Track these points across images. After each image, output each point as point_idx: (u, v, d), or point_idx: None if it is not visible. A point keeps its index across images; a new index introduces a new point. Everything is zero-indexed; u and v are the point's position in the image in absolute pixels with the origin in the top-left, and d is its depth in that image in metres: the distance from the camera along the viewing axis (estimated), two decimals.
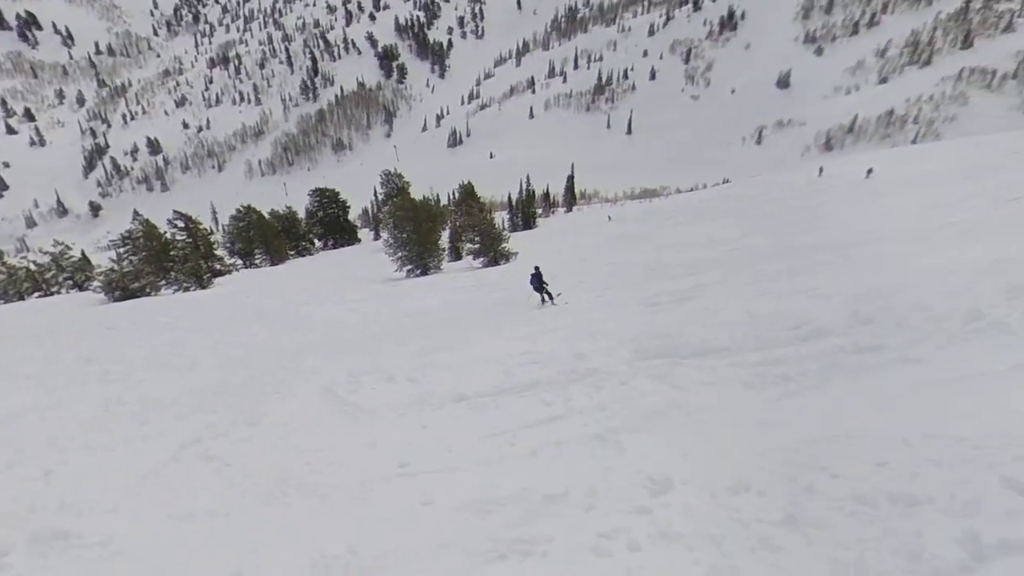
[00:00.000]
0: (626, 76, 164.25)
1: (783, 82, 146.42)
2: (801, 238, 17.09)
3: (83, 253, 76.05)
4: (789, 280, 9.92)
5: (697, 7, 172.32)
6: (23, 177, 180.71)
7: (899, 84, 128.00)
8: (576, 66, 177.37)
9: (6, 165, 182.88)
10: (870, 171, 34.38)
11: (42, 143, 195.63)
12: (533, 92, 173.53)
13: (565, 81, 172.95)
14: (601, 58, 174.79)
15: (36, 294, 44.26)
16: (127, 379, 11.34)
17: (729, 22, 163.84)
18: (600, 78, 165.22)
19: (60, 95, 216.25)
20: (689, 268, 16.04)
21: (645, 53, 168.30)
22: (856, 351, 5.47)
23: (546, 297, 14.71)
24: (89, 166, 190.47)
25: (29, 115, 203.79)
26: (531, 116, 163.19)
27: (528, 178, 70.17)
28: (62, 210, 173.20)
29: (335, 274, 37.82)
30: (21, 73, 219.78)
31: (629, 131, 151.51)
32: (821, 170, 43.60)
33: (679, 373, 5.99)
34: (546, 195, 79.82)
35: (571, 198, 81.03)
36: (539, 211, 70.59)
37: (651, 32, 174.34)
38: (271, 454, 5.35)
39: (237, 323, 19.04)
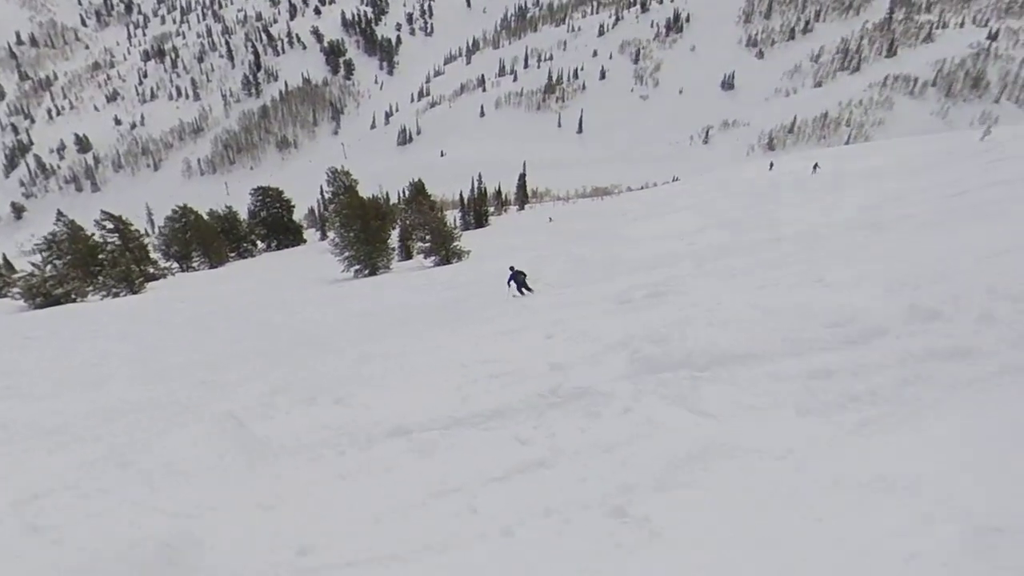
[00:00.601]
0: (576, 76, 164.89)
1: (728, 83, 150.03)
2: (769, 230, 16.44)
3: (4, 257, 71.11)
4: (788, 268, 8.93)
5: (645, 8, 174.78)
6: None
7: (832, 88, 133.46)
8: (527, 65, 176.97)
9: None
10: (816, 166, 34.75)
11: None
12: (484, 91, 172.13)
13: (516, 80, 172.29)
14: (551, 57, 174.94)
15: None
16: (25, 396, 9.79)
17: (675, 24, 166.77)
18: (551, 77, 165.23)
19: None
20: (654, 261, 15.18)
21: (595, 53, 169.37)
22: (934, 357, 4.02)
23: (524, 289, 14.60)
24: (11, 164, 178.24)
25: None
26: (482, 115, 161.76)
27: (480, 176, 68.92)
28: None
29: (278, 276, 36.15)
30: None
31: (580, 130, 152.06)
32: (772, 165, 44.12)
33: (704, 393, 4.40)
34: (498, 193, 78.61)
35: (523, 196, 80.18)
36: (491, 209, 69.48)
37: (601, 32, 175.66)
38: (119, 523, 3.61)
39: (168, 330, 17.44)
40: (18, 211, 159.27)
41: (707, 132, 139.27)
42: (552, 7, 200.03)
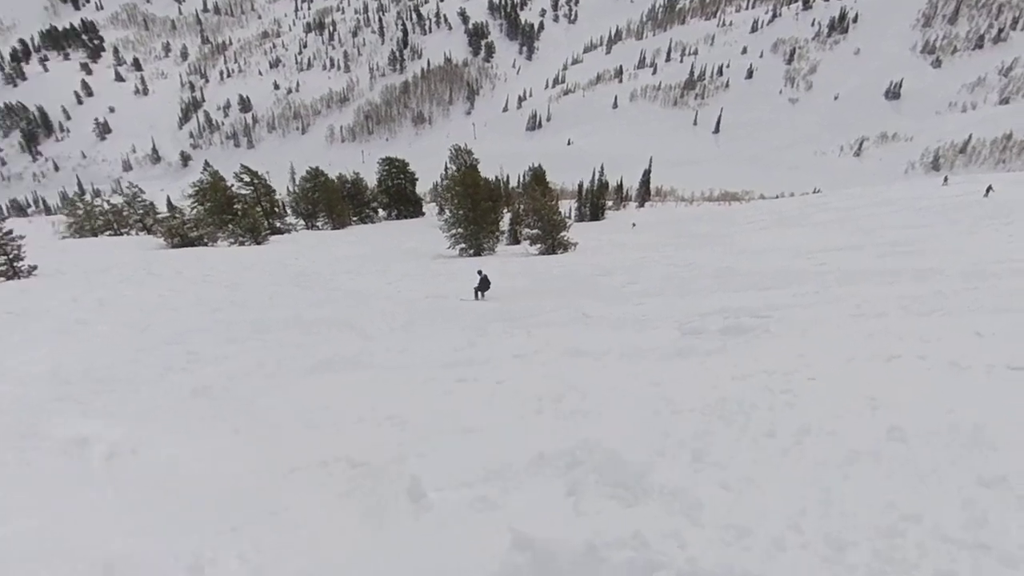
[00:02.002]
0: (720, 73, 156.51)
1: (893, 92, 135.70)
2: (920, 258, 13.74)
3: (169, 200, 79.10)
4: (938, 315, 7.01)
5: (807, 6, 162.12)
6: (125, 123, 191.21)
7: (1022, 106, 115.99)
8: (668, 58, 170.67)
9: (112, 110, 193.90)
10: (989, 189, 29.75)
11: (145, 92, 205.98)
12: (620, 82, 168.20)
13: (655, 73, 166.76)
14: (696, 52, 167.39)
15: (107, 233, 45.57)
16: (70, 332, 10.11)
17: (840, 24, 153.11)
18: (692, 73, 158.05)
19: (166, 48, 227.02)
20: (768, 278, 13.14)
21: (744, 50, 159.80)
22: None
23: (479, 294, 15.26)
24: (184, 118, 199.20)
25: (137, 65, 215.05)
26: (615, 106, 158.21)
27: (602, 168, 67.10)
28: (156, 157, 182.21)
29: (389, 244, 36.71)
30: (134, 25, 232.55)
31: (717, 130, 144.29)
32: (946, 179, 39.34)
33: None
34: (619, 187, 76.19)
35: (645, 193, 77.09)
36: (609, 203, 67.52)
37: (754, 28, 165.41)
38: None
39: (260, 285, 17.93)
40: (185, 159, 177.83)
41: (860, 144, 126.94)
42: (704, 0, 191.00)
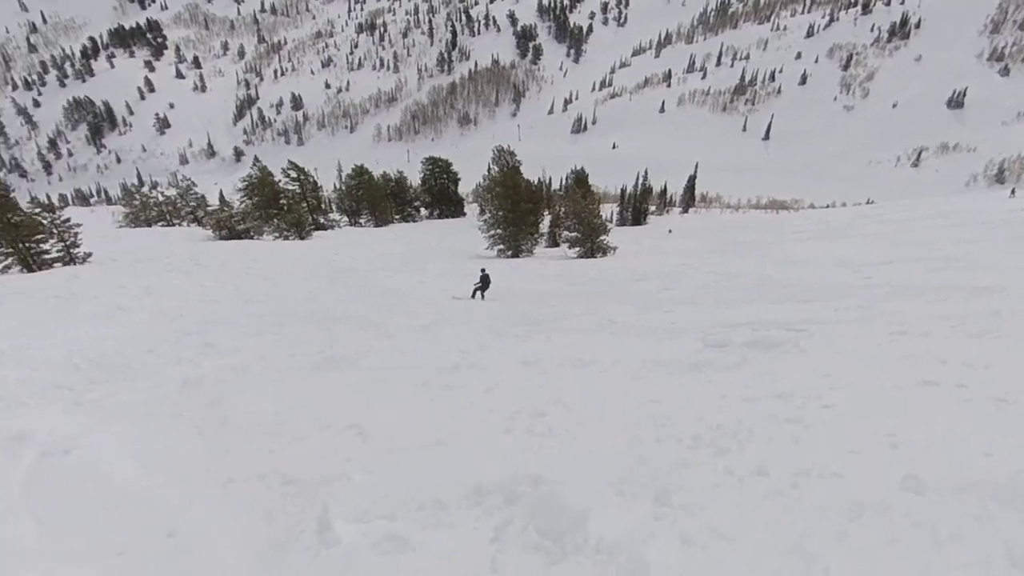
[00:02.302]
0: (773, 78, 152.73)
1: (956, 101, 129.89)
2: (976, 273, 12.99)
3: (221, 193, 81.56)
4: (995, 339, 6.38)
5: (867, 10, 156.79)
6: (183, 118, 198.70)
7: None
8: (719, 63, 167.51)
9: (171, 106, 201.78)
10: None
11: (203, 89, 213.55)
12: (668, 86, 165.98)
13: (704, 77, 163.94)
14: (747, 57, 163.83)
15: (160, 223, 47.41)
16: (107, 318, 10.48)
17: (901, 29, 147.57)
18: (743, 78, 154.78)
19: (225, 47, 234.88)
20: (810, 290, 12.66)
21: (798, 55, 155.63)
22: None
23: (478, 295, 15.57)
24: (239, 114, 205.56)
25: (196, 63, 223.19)
26: (662, 110, 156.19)
27: (646, 172, 66.13)
28: (211, 152, 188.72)
29: (428, 243, 37.02)
30: (196, 24, 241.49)
31: (767, 136, 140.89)
32: (1013, 192, 37.51)
33: None
34: (663, 192, 75.08)
35: (690, 199, 75.76)
36: (652, 209, 66.60)
37: (809, 33, 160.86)
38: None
39: (297, 279, 18.31)
40: (238, 154, 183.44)
41: (919, 154, 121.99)
42: (758, 4, 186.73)
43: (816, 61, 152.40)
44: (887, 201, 65.47)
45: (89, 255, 22.75)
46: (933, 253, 18.34)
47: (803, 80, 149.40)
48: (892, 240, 24.19)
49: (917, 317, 8.17)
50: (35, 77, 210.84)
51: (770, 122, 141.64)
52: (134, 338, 9.34)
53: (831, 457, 3.81)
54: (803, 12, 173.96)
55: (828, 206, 77.24)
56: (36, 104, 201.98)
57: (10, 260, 21.32)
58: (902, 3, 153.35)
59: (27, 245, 21.48)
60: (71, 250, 22.74)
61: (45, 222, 22.30)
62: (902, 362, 5.83)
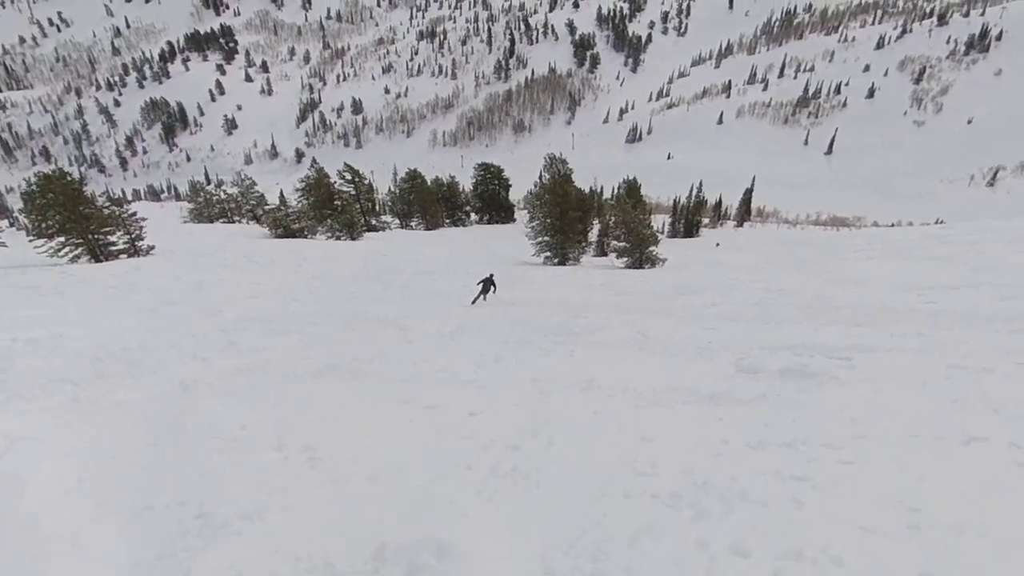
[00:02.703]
0: (838, 91, 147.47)
1: None
2: None
3: (281, 193, 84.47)
4: None
5: (943, 22, 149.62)
6: (249, 120, 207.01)
7: None
8: (781, 74, 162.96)
9: (239, 108, 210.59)
10: None
11: (269, 93, 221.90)
12: (727, 97, 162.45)
13: (766, 89, 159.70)
14: (812, 68, 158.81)
15: (221, 220, 49.46)
16: (151, 311, 10.98)
17: (980, 42, 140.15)
18: (807, 90, 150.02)
19: (291, 52, 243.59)
20: (866, 313, 12.04)
21: (866, 68, 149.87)
22: None
23: (481, 299, 15.69)
24: (302, 117, 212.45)
25: (264, 67, 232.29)
26: (720, 122, 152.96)
27: (701, 184, 64.97)
28: (274, 153, 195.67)
29: (476, 248, 37.28)
30: (265, 30, 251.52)
31: (830, 151, 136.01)
32: None
33: None
34: (718, 205, 73.63)
35: (745, 212, 73.93)
36: (706, 221, 65.34)
37: (879, 45, 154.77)
38: None
39: (342, 279, 18.67)
40: (299, 156, 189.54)
41: (995, 173, 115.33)
42: (825, 14, 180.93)
43: (886, 74, 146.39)
44: (958, 222, 62.23)
45: (152, 248, 23.89)
46: (1006, 279, 17.25)
47: (871, 93, 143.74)
48: (961, 263, 22.87)
49: (980, 348, 7.62)
50: (117, 79, 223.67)
51: (834, 136, 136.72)
52: (166, 332, 9.76)
53: (833, 535, 3.15)
54: (873, 23, 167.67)
55: (893, 225, 73.94)
56: (116, 104, 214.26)
57: (80, 250, 22.53)
58: (982, 14, 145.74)
59: (96, 236, 22.67)
60: (136, 242, 23.92)
61: (113, 215, 23.55)
62: (948, 407, 5.16)
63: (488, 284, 15.70)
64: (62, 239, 22.07)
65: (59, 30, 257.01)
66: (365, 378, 7.64)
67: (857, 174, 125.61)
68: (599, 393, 6.66)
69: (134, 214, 24.06)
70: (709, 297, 15.40)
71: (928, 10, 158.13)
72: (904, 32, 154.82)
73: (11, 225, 71.44)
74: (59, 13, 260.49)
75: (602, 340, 10.18)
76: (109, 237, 23.24)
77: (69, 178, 22.62)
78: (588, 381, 7.12)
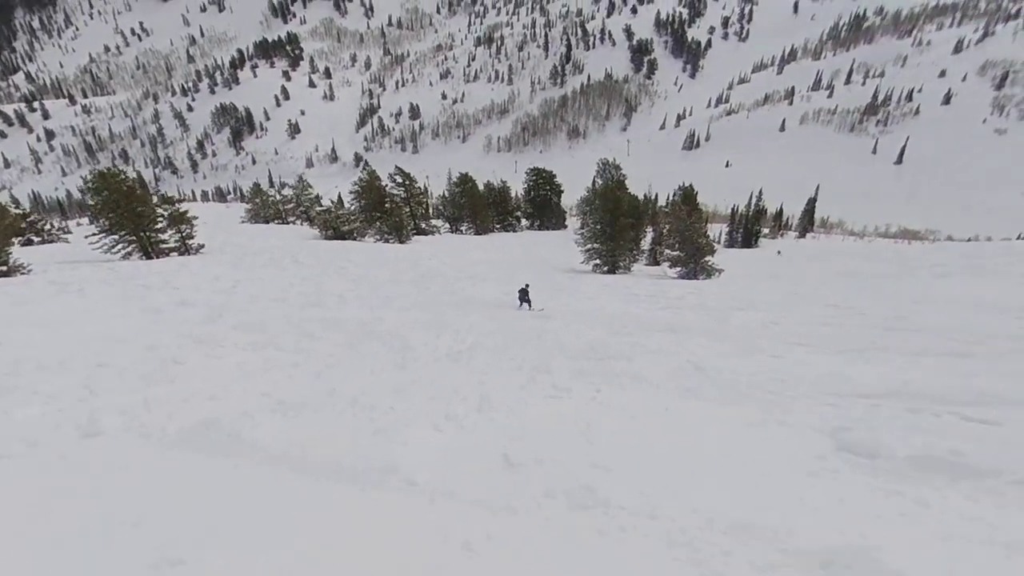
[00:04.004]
0: (910, 98, 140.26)
1: None
2: None
3: (339, 196, 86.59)
4: None
5: None
6: (312, 125, 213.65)
7: None
8: (848, 80, 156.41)
9: (303, 113, 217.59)
10: None
11: (331, 98, 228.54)
12: (790, 103, 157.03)
13: (831, 95, 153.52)
14: (882, 74, 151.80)
15: (276, 221, 50.93)
16: (155, 311, 10.93)
17: None
18: (876, 96, 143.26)
19: (353, 59, 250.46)
20: (959, 340, 10.74)
21: (942, 73, 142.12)
22: None
23: (527, 305, 15.69)
24: (361, 122, 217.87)
25: (327, 73, 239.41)
26: (782, 129, 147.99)
27: (760, 193, 62.65)
28: (334, 157, 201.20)
29: (523, 254, 36.89)
30: (329, 37, 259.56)
31: (899, 160, 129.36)
32: None
33: None
34: (778, 215, 70.93)
35: (808, 223, 70.91)
36: (765, 231, 62.99)
37: (957, 49, 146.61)
38: None
39: (380, 282, 18.58)
40: (358, 160, 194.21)
41: None
42: (898, 17, 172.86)
43: (964, 79, 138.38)
44: None
45: (202, 246, 24.61)
46: None
47: (947, 100, 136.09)
48: None
49: None
50: (190, 84, 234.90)
51: (904, 145, 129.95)
52: (158, 338, 9.42)
53: None
54: (951, 26, 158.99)
55: (970, 239, 69.52)
56: (189, 108, 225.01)
57: (132, 247, 23.32)
58: None
59: (148, 234, 23.45)
60: (186, 241, 24.66)
61: (165, 214, 24.34)
62: None
63: (524, 294, 15.65)
64: (115, 236, 22.91)
65: (140, 39, 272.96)
66: (234, 456, 4.91)
67: (930, 185, 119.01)
68: (603, 524, 3.90)
69: (184, 212, 24.82)
70: (769, 314, 14.37)
71: (1014, 11, 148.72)
72: (986, 35, 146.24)
73: (91, 223, 75.51)
74: (140, 23, 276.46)
75: (640, 371, 8.42)
76: (161, 235, 24.01)
77: (123, 176, 23.43)
78: (594, 481, 4.49)
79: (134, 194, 23.24)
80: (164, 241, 24.08)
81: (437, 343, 10.54)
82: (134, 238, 23.22)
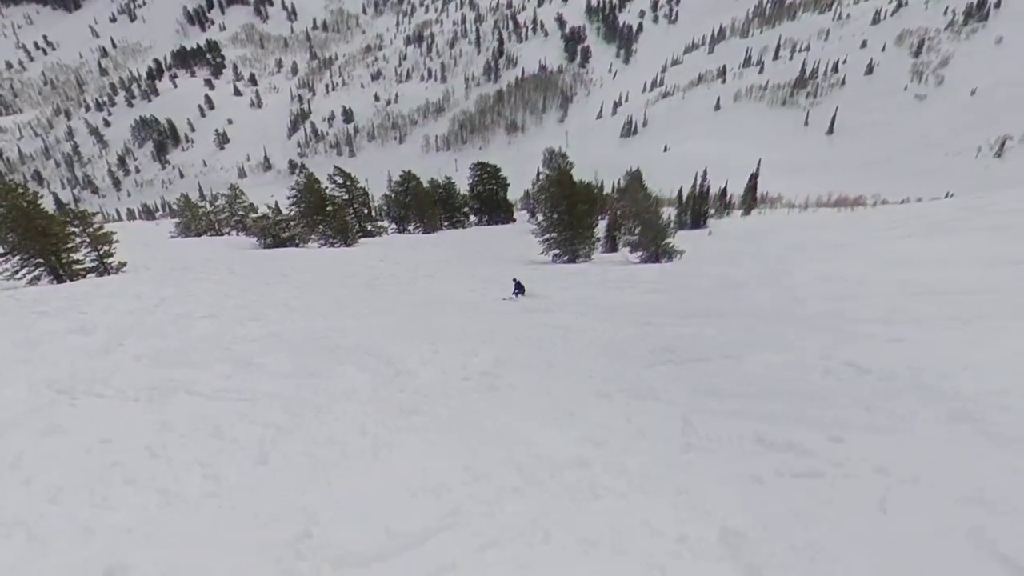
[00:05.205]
0: (836, 69, 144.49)
1: None
2: None
3: (276, 203, 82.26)
4: None
5: None
6: (241, 134, 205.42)
7: None
8: (777, 56, 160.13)
9: (230, 122, 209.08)
10: None
11: (259, 105, 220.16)
12: (723, 82, 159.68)
13: (762, 71, 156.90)
14: (808, 48, 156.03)
15: (209, 233, 47.40)
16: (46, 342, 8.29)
17: (979, 11, 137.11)
18: (804, 70, 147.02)
19: (279, 64, 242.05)
20: (954, 298, 9.35)
21: (864, 44, 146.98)
22: None
23: (517, 295, 14.93)
24: (293, 128, 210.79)
25: (253, 80, 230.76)
26: (717, 107, 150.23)
27: (705, 172, 62.16)
28: (267, 165, 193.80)
29: (478, 249, 34.82)
30: (252, 43, 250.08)
31: (831, 130, 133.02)
32: None
33: None
34: (723, 193, 70.66)
35: (751, 200, 70.99)
36: (712, 211, 62.63)
37: (875, 20, 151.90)
38: None
39: (329, 287, 16.30)
40: (293, 167, 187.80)
41: (1002, 144, 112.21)
42: None
43: (883, 49, 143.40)
44: (968, 194, 59.49)
45: (123, 265, 21.74)
46: None
47: (869, 70, 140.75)
48: (1010, 234, 20.22)
49: None
50: (105, 98, 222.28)
51: (834, 115, 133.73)
52: (82, 362, 7.02)
53: None
54: None
55: (903, 202, 71.07)
56: (106, 124, 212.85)
57: (39, 271, 20.23)
58: None
59: (59, 256, 20.39)
60: (104, 260, 21.69)
61: (77, 231, 21.29)
62: None
63: (518, 285, 15.21)
64: (18, 258, 19.82)
65: (45, 53, 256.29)
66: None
67: (860, 153, 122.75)
68: None
69: (99, 228, 21.85)
70: (768, 291, 12.70)
71: None
72: (900, 5, 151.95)
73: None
74: (44, 36, 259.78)
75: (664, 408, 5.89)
76: (73, 256, 20.95)
77: (22, 190, 20.21)
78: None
79: (37, 210, 20.04)
80: (79, 261, 20.97)
81: (433, 363, 7.64)
82: (41, 260, 20.08)
